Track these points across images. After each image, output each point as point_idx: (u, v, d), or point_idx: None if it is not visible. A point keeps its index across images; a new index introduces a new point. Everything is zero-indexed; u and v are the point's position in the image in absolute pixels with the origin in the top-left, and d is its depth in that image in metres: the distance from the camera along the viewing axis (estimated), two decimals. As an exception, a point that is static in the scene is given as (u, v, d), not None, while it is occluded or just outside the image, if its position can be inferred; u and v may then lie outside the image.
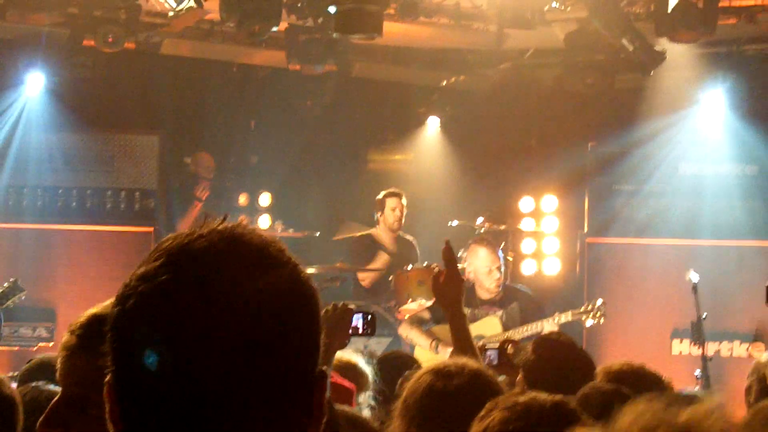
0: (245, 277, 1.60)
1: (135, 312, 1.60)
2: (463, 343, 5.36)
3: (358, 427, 4.25)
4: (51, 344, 11.16)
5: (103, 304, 2.59)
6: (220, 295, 1.58)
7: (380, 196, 11.87)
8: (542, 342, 6.17)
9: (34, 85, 12.29)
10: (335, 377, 5.38)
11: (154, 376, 1.58)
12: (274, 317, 1.60)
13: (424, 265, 11.26)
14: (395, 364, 6.44)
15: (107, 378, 1.66)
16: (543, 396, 3.13)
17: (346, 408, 4.81)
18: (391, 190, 11.88)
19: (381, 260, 11.71)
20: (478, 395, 3.49)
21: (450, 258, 5.44)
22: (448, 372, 3.78)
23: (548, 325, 9.68)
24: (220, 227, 1.66)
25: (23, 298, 9.55)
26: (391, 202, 11.76)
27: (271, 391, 1.59)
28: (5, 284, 9.39)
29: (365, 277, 11.81)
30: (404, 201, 11.81)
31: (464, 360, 3.96)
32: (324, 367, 1.69)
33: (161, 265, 1.61)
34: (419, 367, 6.46)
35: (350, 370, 5.82)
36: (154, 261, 1.63)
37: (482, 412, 3.09)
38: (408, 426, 3.69)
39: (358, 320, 5.17)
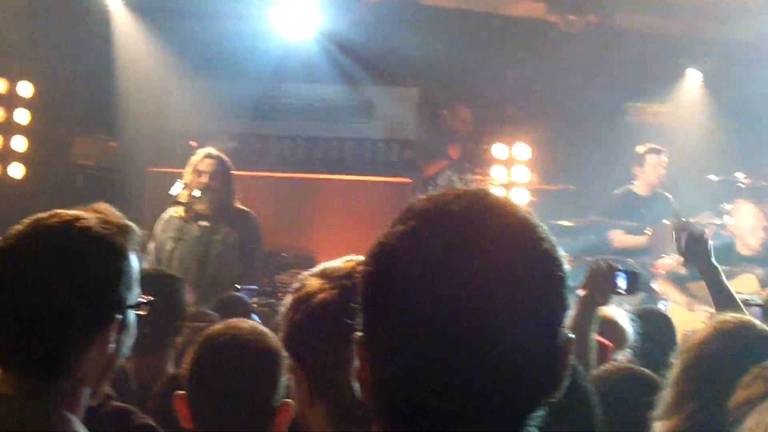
0: (500, 240, 1.62)
1: (396, 269, 1.63)
2: (721, 297, 5.29)
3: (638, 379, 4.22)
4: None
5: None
6: (478, 255, 1.60)
7: (641, 150, 11.53)
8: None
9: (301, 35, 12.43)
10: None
11: (409, 333, 1.60)
12: (526, 282, 1.61)
13: (682, 220, 11.04)
14: (651, 322, 6.32)
15: (357, 336, 1.69)
16: None
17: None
18: (653, 146, 11.53)
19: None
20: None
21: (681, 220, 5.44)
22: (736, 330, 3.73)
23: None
24: (472, 190, 1.69)
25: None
26: (652, 159, 11.43)
27: (520, 347, 1.60)
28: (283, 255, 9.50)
29: (616, 239, 11.48)
30: (665, 157, 11.48)
31: (741, 316, 3.90)
32: (573, 331, 1.69)
33: (419, 225, 1.64)
34: (673, 327, 6.36)
35: (609, 327, 5.76)
36: (410, 220, 1.65)
37: (747, 378, 3.01)
38: (695, 384, 3.63)
39: (622, 278, 5.14)
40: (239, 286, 8.36)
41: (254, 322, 3.71)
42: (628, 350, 5.79)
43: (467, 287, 1.58)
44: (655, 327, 6.10)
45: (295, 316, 2.56)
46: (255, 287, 8.41)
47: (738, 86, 12.85)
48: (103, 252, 2.62)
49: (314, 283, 2.56)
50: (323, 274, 2.58)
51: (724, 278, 5.66)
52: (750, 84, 12.60)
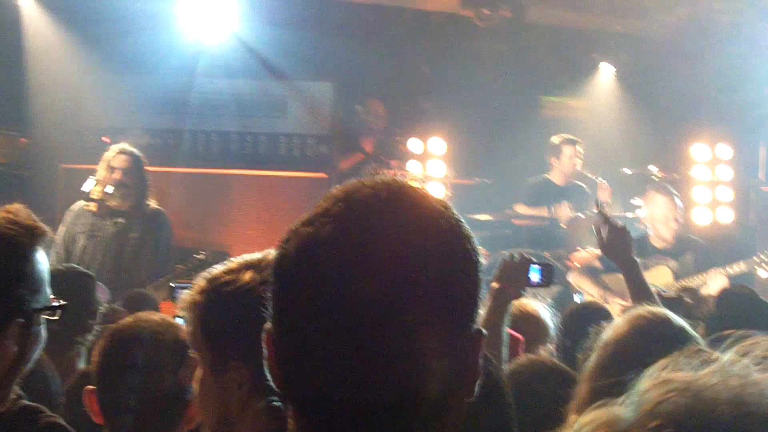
0: (407, 227, 1.59)
1: (297, 255, 1.60)
2: (638, 291, 5.33)
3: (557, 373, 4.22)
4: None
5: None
6: (381, 242, 1.56)
7: (556, 140, 11.63)
8: (725, 296, 5.99)
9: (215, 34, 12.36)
10: None
11: (313, 319, 1.56)
12: (432, 269, 1.57)
13: (596, 212, 11.12)
14: (584, 316, 6.32)
15: (266, 325, 1.65)
16: None
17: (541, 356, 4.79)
18: (569, 136, 11.64)
19: (556, 206, 11.51)
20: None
21: (604, 213, 5.58)
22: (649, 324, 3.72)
23: (720, 276, 9.49)
24: (386, 179, 1.66)
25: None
26: (568, 149, 11.53)
27: (424, 341, 1.55)
28: (200, 255, 9.45)
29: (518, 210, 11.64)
30: (581, 148, 11.58)
31: (657, 310, 3.90)
32: (481, 322, 1.67)
33: (325, 212, 1.61)
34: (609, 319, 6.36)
35: (529, 320, 5.76)
36: (319, 208, 1.63)
37: (653, 369, 3.01)
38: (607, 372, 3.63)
39: (535, 271, 5.15)
40: (173, 284, 8.31)
41: (163, 315, 3.66)
42: (549, 345, 5.80)
43: (372, 277, 1.54)
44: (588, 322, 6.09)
45: (229, 312, 2.51)
46: (189, 285, 8.33)
47: (650, 80, 12.99)
48: (4, 253, 2.57)
49: (247, 276, 2.51)
50: (250, 266, 2.54)
51: (642, 273, 5.70)
52: (662, 78, 12.74)
